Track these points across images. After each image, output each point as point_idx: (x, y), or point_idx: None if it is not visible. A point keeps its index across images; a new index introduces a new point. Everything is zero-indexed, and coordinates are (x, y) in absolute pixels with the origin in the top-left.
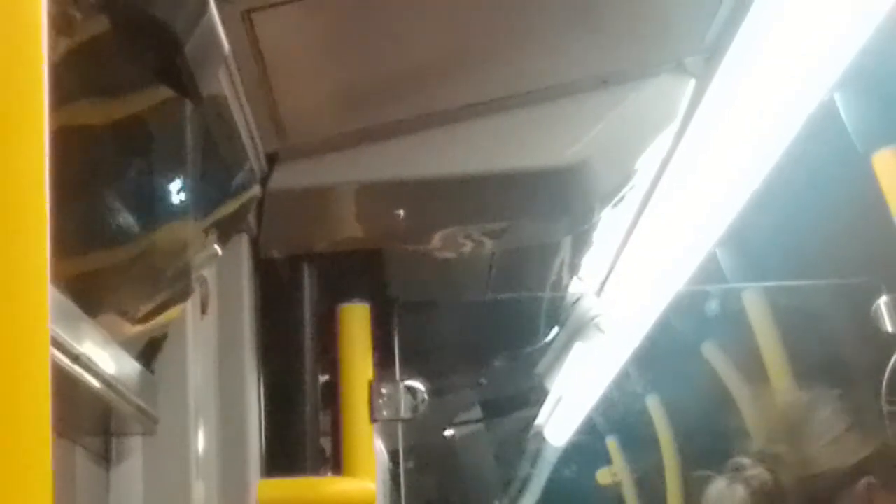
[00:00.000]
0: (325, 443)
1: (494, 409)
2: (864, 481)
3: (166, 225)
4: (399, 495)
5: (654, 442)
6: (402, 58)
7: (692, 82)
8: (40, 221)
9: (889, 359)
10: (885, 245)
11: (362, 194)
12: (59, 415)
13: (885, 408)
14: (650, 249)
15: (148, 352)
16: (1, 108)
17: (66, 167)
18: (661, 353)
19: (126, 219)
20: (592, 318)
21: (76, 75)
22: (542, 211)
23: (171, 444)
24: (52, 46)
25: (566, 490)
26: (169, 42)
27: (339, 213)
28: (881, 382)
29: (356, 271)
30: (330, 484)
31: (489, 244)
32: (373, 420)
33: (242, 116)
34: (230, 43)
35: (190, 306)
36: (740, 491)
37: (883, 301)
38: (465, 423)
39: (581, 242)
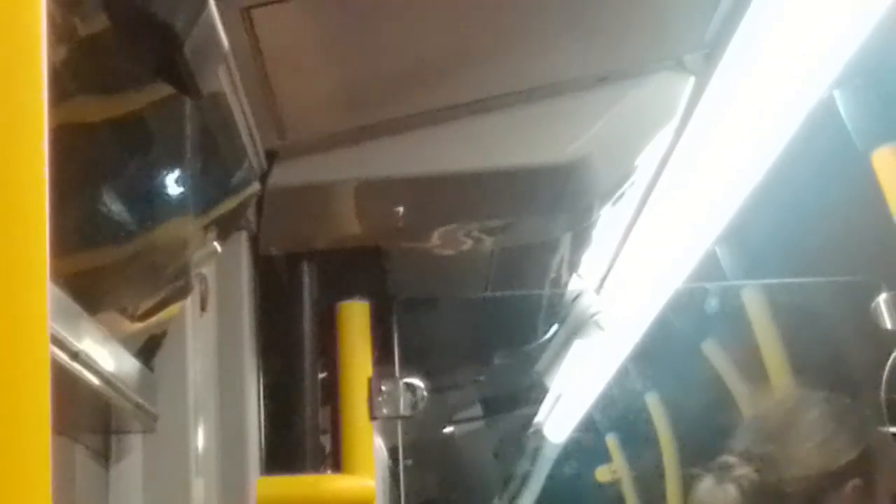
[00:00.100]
0: (325, 440)
1: (494, 406)
2: (851, 484)
3: (166, 222)
4: (399, 493)
5: (653, 440)
6: (401, 55)
7: (691, 79)
8: (40, 219)
9: (889, 356)
10: (885, 243)
11: (362, 191)
12: (59, 412)
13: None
14: (649, 247)
15: (147, 349)
16: (0, 106)
17: (66, 164)
18: (661, 351)
19: (125, 216)
20: (592, 316)
21: (75, 72)
22: (542, 208)
23: (170, 442)
24: (52, 44)
25: (565, 487)
26: (168, 39)
27: (339, 210)
28: (881, 380)
29: (356, 269)
30: (329, 481)
31: (489, 241)
32: (372, 417)
33: (242, 114)
34: (230, 40)
35: (189, 304)
36: (732, 491)
37: (882, 298)
38: (465, 420)
39: (581, 240)
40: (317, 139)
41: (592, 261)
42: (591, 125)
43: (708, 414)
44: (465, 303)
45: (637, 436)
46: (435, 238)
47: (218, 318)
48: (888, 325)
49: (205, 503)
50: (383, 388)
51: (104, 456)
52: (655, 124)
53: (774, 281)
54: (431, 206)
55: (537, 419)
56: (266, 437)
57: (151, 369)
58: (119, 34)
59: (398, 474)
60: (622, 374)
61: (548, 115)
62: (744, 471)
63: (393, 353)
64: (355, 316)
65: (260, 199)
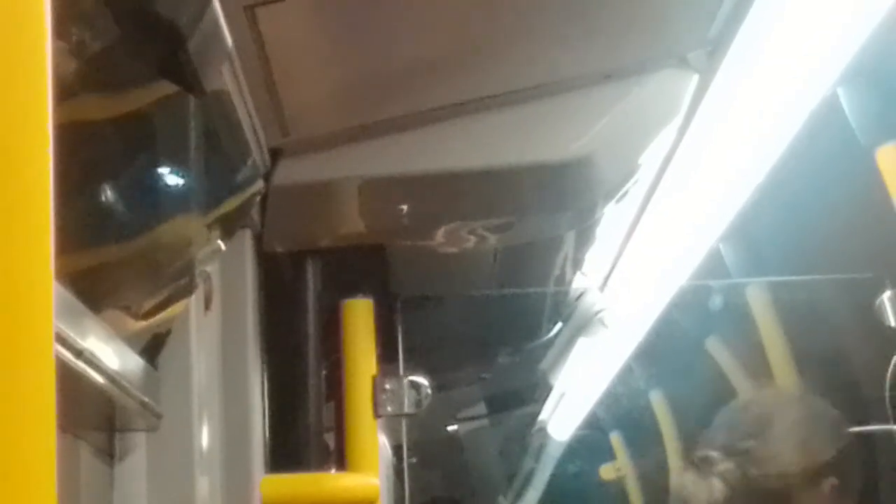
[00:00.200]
0: (329, 438)
1: (498, 404)
2: (828, 482)
3: (170, 220)
4: (403, 491)
5: (657, 438)
6: (405, 53)
7: (695, 77)
8: (44, 217)
9: (893, 353)
10: (889, 240)
11: (366, 189)
12: (63, 410)
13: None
14: (653, 244)
15: (151, 347)
16: (5, 104)
17: (70, 163)
18: (665, 349)
19: (129, 214)
20: (596, 314)
21: (79, 71)
22: (546, 206)
23: (174, 440)
24: (56, 43)
25: (569, 485)
26: (172, 37)
27: (343, 208)
28: (884, 377)
29: (359, 266)
30: (334, 479)
31: (492, 239)
32: (376, 415)
33: (245, 112)
34: (233, 38)
35: (193, 302)
36: (717, 484)
37: (887, 296)
38: (469, 418)
39: (584, 237)
40: (321, 137)
41: (596, 259)
42: (595, 123)
43: (712, 412)
44: (469, 301)
45: (641, 434)
46: (439, 236)
47: (222, 317)
48: (892, 322)
49: (209, 501)
50: (387, 385)
51: (108, 454)
52: (659, 122)
53: (778, 278)
54: (435, 203)
55: (541, 417)
56: (270, 436)
57: (155, 367)
58: (123, 32)
59: (402, 472)
60: (626, 372)
61: (551, 113)
62: (727, 465)
63: (397, 350)
64: (359, 314)
65: (264, 198)
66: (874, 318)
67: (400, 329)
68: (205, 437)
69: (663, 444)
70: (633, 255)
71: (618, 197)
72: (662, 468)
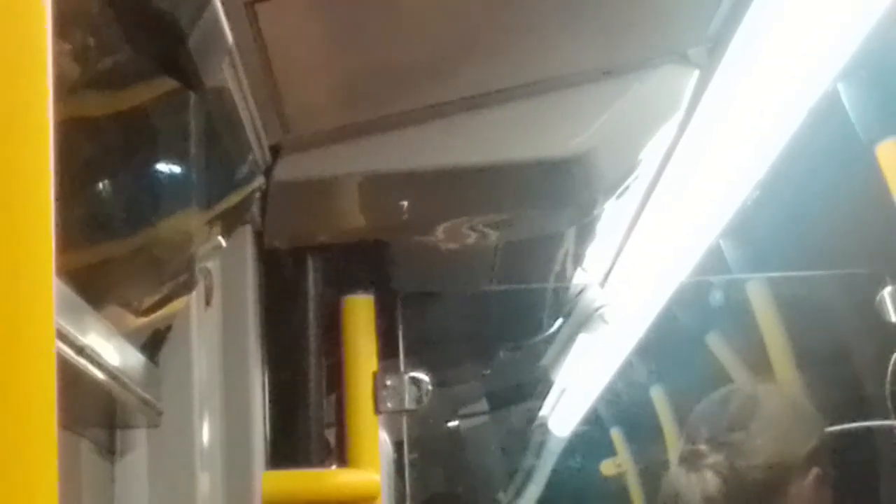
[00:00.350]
0: (330, 435)
1: (499, 400)
2: (813, 472)
3: (170, 217)
4: (404, 486)
5: (658, 433)
6: (405, 50)
7: (696, 73)
8: (45, 214)
9: (893, 349)
10: (890, 235)
11: (366, 186)
12: (64, 407)
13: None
14: (654, 241)
15: (152, 344)
16: (5, 101)
17: (71, 159)
18: (665, 344)
19: (130, 211)
20: (596, 310)
21: (80, 67)
22: (546, 202)
23: (175, 437)
24: (56, 39)
25: (570, 481)
26: (172, 33)
27: (343, 204)
28: (885, 372)
29: (360, 263)
30: (335, 476)
31: (493, 235)
32: (377, 412)
33: (246, 108)
34: (234, 35)
35: (194, 298)
36: (710, 477)
37: (887, 291)
38: (470, 414)
39: (585, 233)
40: (321, 133)
41: (597, 255)
42: (596, 119)
43: None
44: (470, 297)
45: (642, 429)
46: (439, 232)
47: (223, 313)
48: (892, 317)
49: (210, 498)
50: (388, 382)
51: (109, 451)
52: (659, 118)
53: (779, 274)
54: (436, 200)
55: (542, 413)
56: (271, 432)
57: (156, 364)
58: (124, 28)
59: (403, 468)
60: (627, 368)
61: (552, 109)
62: (716, 458)
63: (398, 347)
64: (360, 310)
65: (264, 194)
66: (874, 313)
67: (400, 325)
68: (206, 434)
69: (664, 440)
70: (634, 251)
71: (618, 193)
72: (663, 464)
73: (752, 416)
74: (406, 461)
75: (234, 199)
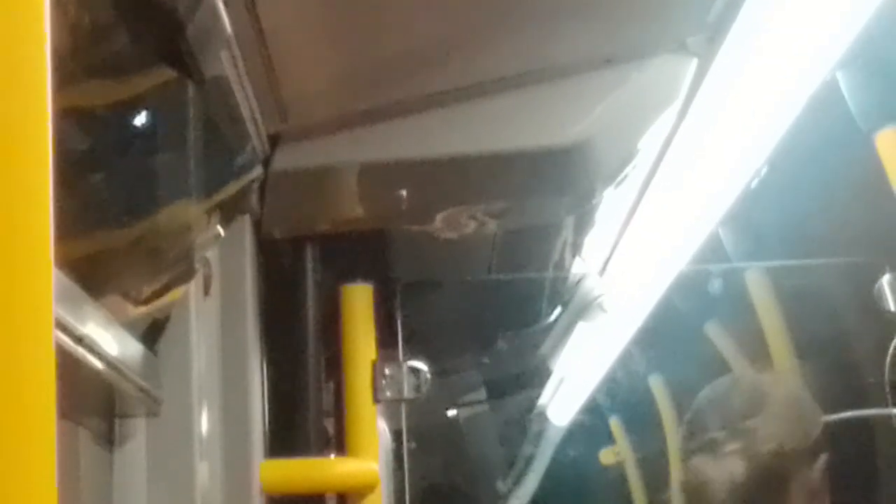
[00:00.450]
0: (328, 424)
1: (497, 389)
2: (822, 458)
3: (169, 206)
4: (403, 475)
5: (657, 422)
6: (404, 38)
7: (694, 62)
8: (44, 203)
9: (892, 337)
10: (888, 224)
11: (364, 175)
12: (63, 396)
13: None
14: (652, 229)
15: (151, 333)
16: (4, 91)
17: (70, 148)
18: (664, 333)
19: (128, 200)
20: (595, 299)
21: (79, 56)
22: (545, 191)
23: (174, 426)
24: (56, 29)
25: (569, 470)
26: (171, 23)
27: (342, 193)
28: (884, 361)
29: (359, 252)
30: (333, 464)
31: (492, 224)
32: (376, 400)
33: (244, 97)
34: (232, 24)
35: (193, 288)
36: (735, 463)
37: (886, 280)
38: (469, 403)
39: (583, 222)
40: (320, 123)
41: (595, 243)
42: (594, 108)
43: None
44: (469, 286)
45: (641, 418)
46: (438, 221)
47: (221, 302)
48: (891, 306)
49: (209, 487)
50: (387, 371)
51: (108, 440)
52: (658, 107)
53: (777, 263)
54: (434, 188)
55: (541, 402)
56: (270, 421)
57: (155, 353)
58: (123, 18)
59: (402, 457)
60: (625, 357)
61: (551, 98)
62: (736, 445)
63: (396, 336)
64: (359, 299)
65: (263, 183)
66: (873, 302)
67: (399, 314)
68: (204, 423)
69: (663, 429)
70: (633, 240)
71: (617, 181)
72: (662, 453)
73: (763, 403)
74: (405, 450)
75: (232, 188)
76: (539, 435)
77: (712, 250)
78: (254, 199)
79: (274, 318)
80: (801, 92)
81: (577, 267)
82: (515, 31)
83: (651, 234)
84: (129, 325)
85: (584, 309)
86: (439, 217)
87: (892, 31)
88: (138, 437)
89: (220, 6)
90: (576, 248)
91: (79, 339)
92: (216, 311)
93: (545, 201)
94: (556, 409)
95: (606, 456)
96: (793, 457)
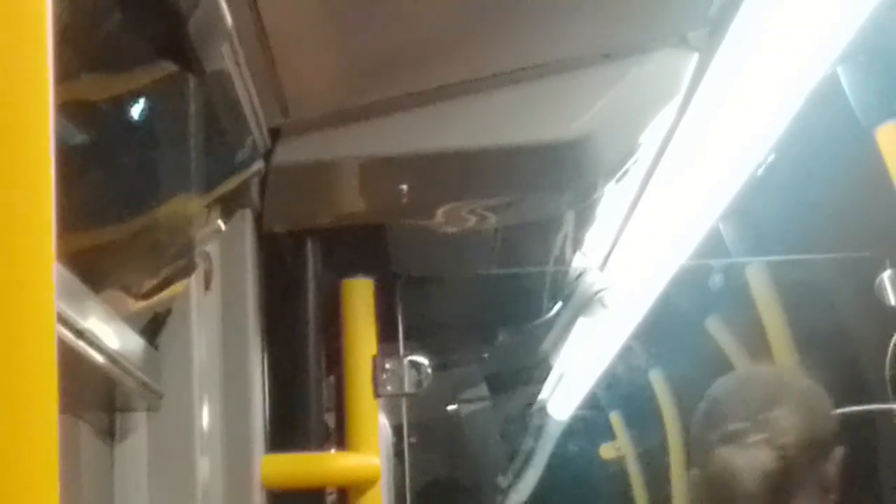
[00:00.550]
0: (329, 418)
1: (498, 384)
2: (839, 451)
3: (169, 200)
4: (403, 470)
5: (657, 417)
6: (405, 33)
7: (695, 56)
8: (45, 197)
9: (892, 332)
10: (889, 219)
11: (365, 169)
12: (64, 391)
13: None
14: (653, 224)
15: (152, 327)
16: (5, 84)
17: (70, 143)
18: (665, 328)
19: (129, 194)
20: (596, 293)
21: (80, 50)
22: (546, 185)
23: (175, 420)
24: (57, 22)
25: (569, 464)
26: (172, 17)
27: (343, 188)
28: (884, 356)
29: (360, 246)
30: (334, 459)
31: (492, 219)
32: (377, 395)
33: (245, 91)
34: (233, 18)
35: (193, 282)
36: (763, 452)
37: (887, 275)
38: (470, 398)
39: (584, 217)
40: (321, 117)
41: (596, 238)
42: (595, 102)
43: None
44: (469, 280)
45: (641, 413)
46: (439, 215)
47: (222, 297)
48: (892, 301)
49: (209, 481)
50: (388, 365)
51: (109, 434)
52: (659, 101)
53: (778, 258)
54: (435, 183)
55: (541, 397)
56: (270, 415)
57: (156, 347)
58: (124, 11)
59: (402, 452)
60: (626, 352)
61: (551, 92)
62: (760, 436)
63: (397, 330)
64: (359, 294)
65: (264, 177)
66: (874, 297)
67: (400, 309)
68: (205, 417)
69: (663, 424)
70: (633, 235)
71: (618, 176)
72: (662, 448)
73: (782, 396)
74: (406, 445)
75: (233, 182)
76: (539, 430)
77: (713, 245)
78: (254, 193)
79: (274, 312)
80: (802, 86)
81: (578, 262)
82: (516, 26)
83: (652, 229)
84: (130, 320)
85: (585, 304)
86: (440, 212)
87: (893, 26)
88: (139, 431)
89: (222, 0)
90: (577, 243)
91: (80, 334)
92: (217, 306)
93: (546, 196)
94: (556, 403)
95: (607, 451)
96: (815, 448)
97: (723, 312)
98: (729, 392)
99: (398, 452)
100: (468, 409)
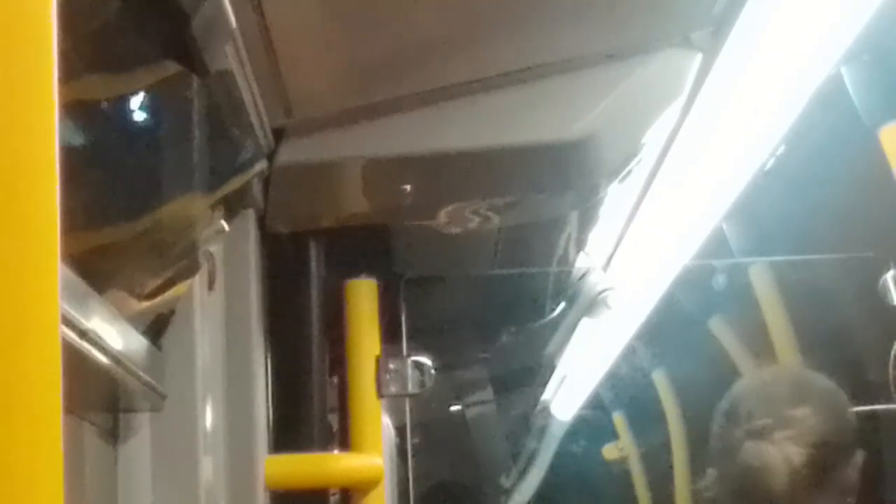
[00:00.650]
0: (332, 419)
1: (501, 384)
2: (859, 453)
3: (173, 200)
4: (406, 470)
5: (660, 417)
6: (408, 33)
7: (699, 56)
8: (50, 198)
9: None
10: (893, 219)
11: (369, 169)
12: (68, 391)
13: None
14: (657, 224)
15: (155, 328)
16: (10, 85)
17: (75, 143)
18: (668, 328)
19: (133, 195)
20: (599, 294)
21: (84, 50)
22: (549, 186)
23: (178, 421)
24: (61, 23)
25: (573, 465)
26: (176, 17)
27: (346, 188)
28: (888, 356)
29: (363, 247)
30: (337, 460)
31: (496, 219)
32: (380, 396)
33: (249, 92)
34: (237, 18)
35: (197, 282)
36: (790, 448)
37: (890, 275)
38: (473, 398)
39: (588, 217)
40: (324, 117)
41: (599, 239)
42: (599, 102)
43: (715, 391)
44: (473, 281)
45: (644, 413)
46: (442, 216)
47: (225, 297)
48: (895, 301)
49: (213, 482)
50: (391, 366)
51: (112, 435)
52: (663, 102)
53: (781, 258)
54: (439, 183)
55: (545, 397)
56: (274, 416)
57: (159, 348)
58: (128, 11)
59: (406, 452)
60: (629, 352)
61: (554, 93)
62: (786, 433)
63: (400, 331)
64: (363, 294)
65: (267, 178)
66: (877, 297)
67: (403, 309)
68: (209, 418)
69: (666, 425)
70: (637, 235)
71: (621, 176)
72: (665, 448)
73: (807, 395)
74: (409, 445)
75: (236, 182)
76: (543, 430)
77: (717, 245)
78: (258, 193)
79: (278, 313)
80: (806, 87)
81: (582, 262)
82: (519, 26)
83: (655, 230)
84: (134, 320)
85: (589, 304)
86: (444, 212)
87: None
88: (142, 431)
89: (226, 0)
90: (580, 244)
91: (83, 334)
92: (220, 306)
93: (549, 196)
94: (559, 404)
95: (610, 451)
96: (834, 450)
97: (726, 313)
98: (753, 390)
99: (401, 453)
100: (471, 409)
